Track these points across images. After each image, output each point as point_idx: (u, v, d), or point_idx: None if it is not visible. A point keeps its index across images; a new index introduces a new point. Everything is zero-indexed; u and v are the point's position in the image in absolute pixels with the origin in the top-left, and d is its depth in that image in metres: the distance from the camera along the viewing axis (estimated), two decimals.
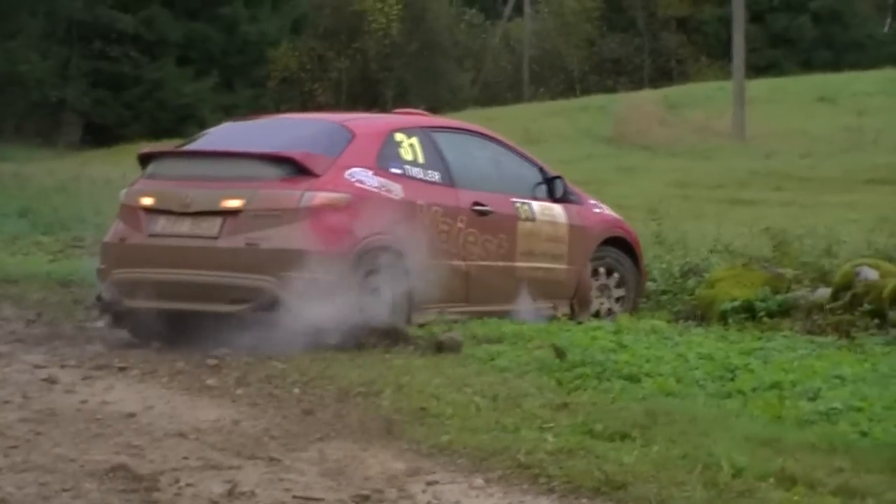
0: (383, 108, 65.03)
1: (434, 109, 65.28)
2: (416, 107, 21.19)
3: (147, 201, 13.14)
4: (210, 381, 12.99)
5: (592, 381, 12.95)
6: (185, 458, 10.28)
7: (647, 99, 57.78)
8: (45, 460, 10.16)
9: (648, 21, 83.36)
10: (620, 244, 18.72)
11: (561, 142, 48.89)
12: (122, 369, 13.38)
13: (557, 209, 18.15)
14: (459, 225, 16.54)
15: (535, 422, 11.14)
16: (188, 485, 9.43)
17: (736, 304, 16.61)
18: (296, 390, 12.83)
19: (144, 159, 14.54)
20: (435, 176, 16.34)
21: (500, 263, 17.14)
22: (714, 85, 58.13)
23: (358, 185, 14.52)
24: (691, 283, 17.88)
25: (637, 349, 14.18)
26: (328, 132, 15.62)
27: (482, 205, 17.00)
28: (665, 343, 14.62)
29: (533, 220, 17.71)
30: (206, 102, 66.19)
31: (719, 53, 62.27)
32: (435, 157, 16.44)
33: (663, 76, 71.57)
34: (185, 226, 12.98)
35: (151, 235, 13.00)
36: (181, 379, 13.06)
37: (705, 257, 19.05)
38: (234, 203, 12.94)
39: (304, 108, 73.16)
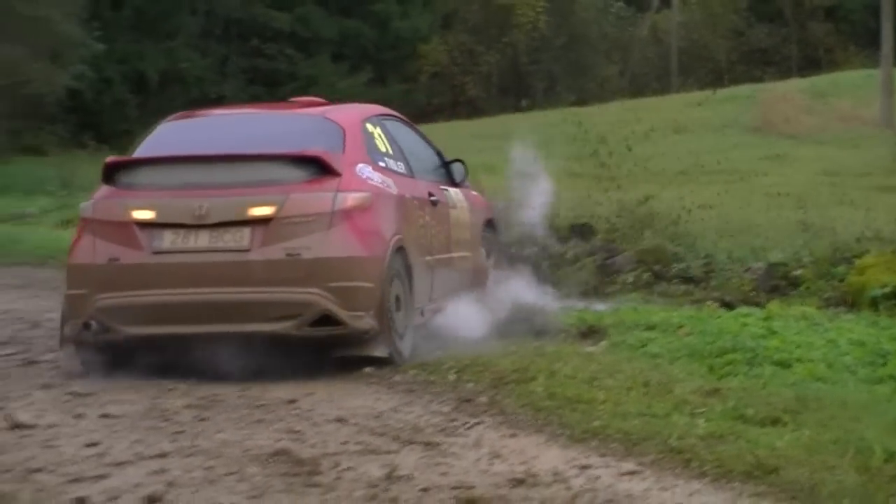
0: (532, 99, 64.83)
1: (582, 101, 65.26)
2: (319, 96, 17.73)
3: (144, 215, 11.77)
4: (367, 370, 13.04)
5: (743, 367, 12.90)
6: (345, 442, 10.39)
7: (794, 88, 57.20)
8: (209, 445, 10.34)
9: (795, 11, 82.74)
10: (489, 224, 18.50)
11: (708, 132, 48.50)
12: None
13: (461, 194, 17.48)
14: (427, 217, 15.49)
15: (686, 407, 11.11)
16: (348, 468, 9.48)
17: (887, 290, 16.37)
18: (451, 377, 12.94)
19: (113, 167, 12.61)
20: (402, 167, 15.39)
21: (445, 255, 16.26)
22: (862, 73, 57.46)
23: (370, 182, 13.51)
24: (841, 269, 17.62)
25: (787, 335, 14.06)
26: (319, 126, 14.40)
27: (433, 195, 16.02)
28: (815, 329, 14.47)
29: (455, 207, 16.94)
30: (360, 97, 66.27)
31: (867, 42, 61.58)
32: (395, 147, 15.57)
33: (811, 65, 70.83)
34: (202, 239, 11.72)
35: (157, 253, 11.64)
36: (340, 368, 13.02)
37: (855, 244, 18.75)
38: (264, 210, 11.85)
39: (455, 102, 73.02)
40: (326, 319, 11.86)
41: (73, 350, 12.09)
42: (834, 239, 19.46)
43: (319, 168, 12.43)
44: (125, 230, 11.78)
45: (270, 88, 61.88)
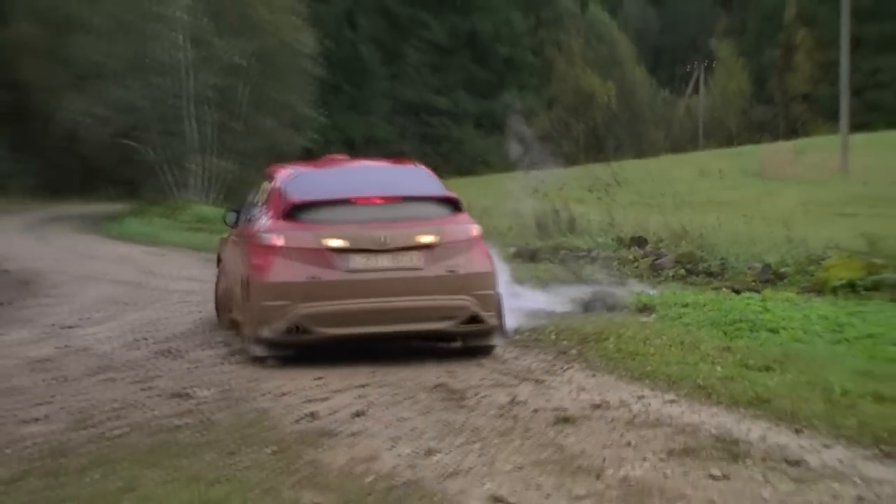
0: (605, 154, 64.57)
1: (638, 156, 65.22)
2: (342, 152, 16.78)
3: (337, 243, 10.94)
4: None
5: (746, 332, 13.02)
6: (482, 379, 10.73)
7: (782, 148, 56.91)
8: (393, 379, 10.62)
9: (782, 96, 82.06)
10: None
11: (723, 176, 48.27)
12: None
13: None
14: None
15: (708, 358, 11.22)
16: (485, 396, 9.81)
17: (842, 282, 16.39)
18: (552, 337, 13.12)
19: (300, 207, 11.45)
20: None
21: None
22: (827, 138, 56.83)
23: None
24: (813, 268, 17.56)
25: (776, 311, 14.09)
26: (426, 174, 13.26)
27: None
28: (795, 307, 14.48)
29: None
30: (493, 154, 66.14)
31: (831, 117, 60.66)
32: None
33: (793, 132, 70.07)
34: (384, 261, 10.99)
35: (350, 271, 10.90)
36: None
37: (822, 251, 18.69)
38: (429, 238, 11.25)
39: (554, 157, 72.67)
40: (473, 319, 11.42)
41: (263, 346, 11.27)
42: (808, 248, 19.38)
43: (453, 206, 11.99)
44: (320, 255, 10.99)
45: (434, 147, 61.88)
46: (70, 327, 14.23)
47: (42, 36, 49.76)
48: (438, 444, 8.07)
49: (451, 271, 11.34)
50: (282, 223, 11.44)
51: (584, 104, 77.30)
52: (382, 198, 11.80)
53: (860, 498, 6.83)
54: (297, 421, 8.85)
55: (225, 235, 15.01)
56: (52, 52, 47.90)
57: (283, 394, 10.01)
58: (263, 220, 11.91)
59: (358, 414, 8.93)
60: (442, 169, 61.50)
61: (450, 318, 11.19)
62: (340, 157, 14.38)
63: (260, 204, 12.61)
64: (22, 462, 7.77)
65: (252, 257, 11.62)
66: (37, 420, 9.06)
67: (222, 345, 13.04)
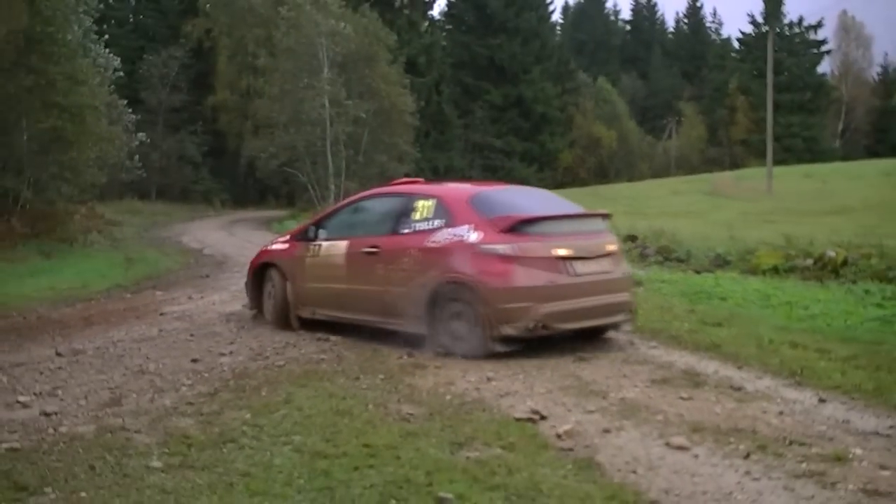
0: (608, 179, 64.05)
1: (630, 181, 64.67)
2: (413, 177, 14.05)
3: (564, 252, 9.03)
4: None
5: (705, 299, 12.76)
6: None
7: (728, 176, 56.28)
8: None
9: (729, 141, 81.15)
10: None
11: (687, 195, 47.88)
12: None
13: None
14: None
15: (678, 318, 11.00)
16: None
17: (769, 266, 16.20)
18: None
19: (526, 222, 9.09)
20: None
21: None
22: (758, 170, 56.19)
23: None
24: (749, 256, 17.30)
25: (725, 286, 13.90)
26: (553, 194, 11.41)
27: None
28: (737, 283, 14.29)
29: None
30: (534, 180, 65.93)
31: (760, 155, 59.84)
32: None
33: (736, 166, 69.27)
34: (594, 266, 9.29)
35: (576, 275, 9.13)
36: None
37: (755, 246, 18.45)
38: (612, 248, 9.68)
39: (574, 181, 72.54)
40: (631, 310, 9.75)
41: (501, 343, 8.73)
42: (745, 243, 19.11)
43: (607, 220, 10.14)
44: (551, 262, 8.94)
45: (492, 174, 61.57)
46: None
47: (234, 100, 50.71)
48: (495, 374, 8.03)
49: (623, 273, 9.88)
50: (504, 236, 8.87)
51: (594, 145, 76.80)
52: (580, 214, 9.91)
53: (781, 412, 6.76)
54: (399, 357, 8.81)
55: (278, 246, 11.09)
56: (240, 110, 48.98)
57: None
58: (470, 233, 8.99)
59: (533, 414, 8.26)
60: None
61: (625, 311, 9.62)
62: (413, 179, 11.14)
63: (427, 218, 9.35)
64: (217, 381, 7.82)
65: (479, 265, 8.80)
66: (228, 353, 9.11)
67: None
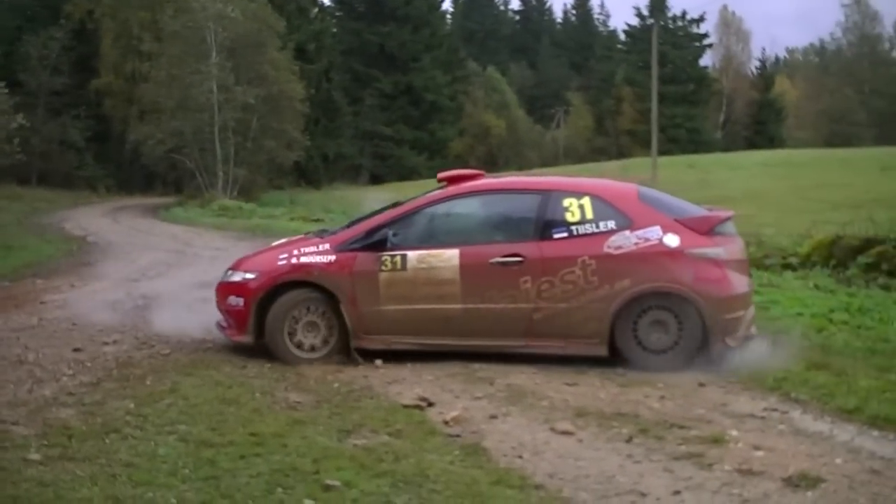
0: (497, 167, 64.43)
1: (519, 169, 65.13)
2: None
3: (744, 256, 8.40)
4: None
5: None
6: None
7: (614, 165, 57.21)
8: None
9: (615, 132, 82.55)
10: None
11: None
12: None
13: None
14: None
15: None
16: None
17: None
18: None
19: (721, 223, 8.11)
20: None
21: None
22: (643, 160, 57.25)
23: None
24: None
25: None
26: None
27: None
28: None
29: None
30: (424, 168, 65.74)
31: (646, 146, 60.97)
32: None
33: (621, 155, 70.29)
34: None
35: (750, 278, 8.49)
36: None
37: None
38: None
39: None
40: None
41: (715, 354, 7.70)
42: None
43: None
44: (744, 266, 8.24)
45: (382, 161, 61.26)
46: (135, 280, 14.00)
47: (119, 84, 49.66)
48: (382, 362, 8.03)
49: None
50: (709, 238, 7.92)
51: (483, 134, 77.23)
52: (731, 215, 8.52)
53: (662, 397, 6.93)
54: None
55: (312, 259, 8.21)
56: (126, 94, 48.04)
57: None
58: (666, 237, 7.84)
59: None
60: (387, 177, 60.94)
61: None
62: (474, 172, 8.96)
63: (590, 220, 7.90)
64: (100, 371, 7.65)
65: (693, 272, 7.72)
66: (112, 342, 8.91)
67: None
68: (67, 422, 6.08)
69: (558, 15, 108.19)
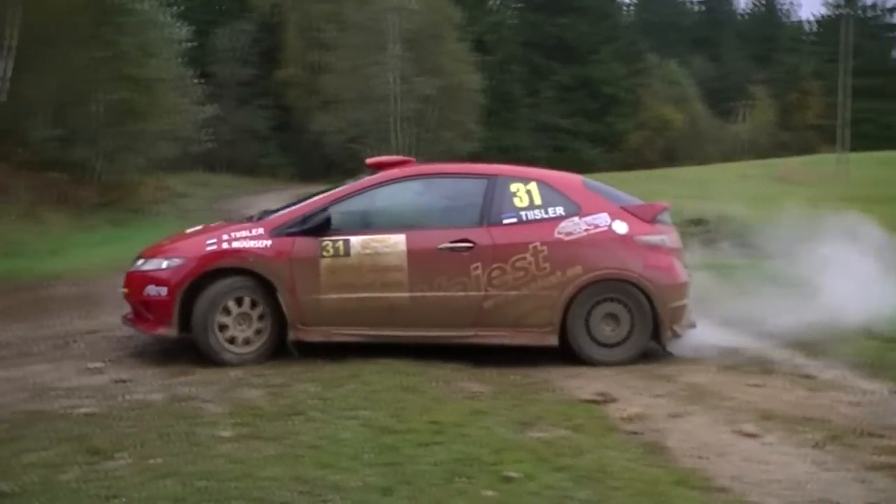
0: (678, 162, 63.11)
1: (699, 164, 63.50)
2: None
3: (679, 244, 8.31)
4: None
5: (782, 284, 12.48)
6: None
7: (797, 161, 55.10)
8: None
9: (799, 126, 79.77)
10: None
11: (758, 179, 47.07)
12: None
13: None
14: None
15: None
16: None
17: None
18: None
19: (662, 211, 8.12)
20: None
21: None
22: (829, 156, 55.05)
23: None
24: None
25: None
26: None
27: None
28: None
29: None
30: (601, 160, 65.17)
31: (832, 142, 58.70)
32: None
33: (805, 151, 67.67)
34: None
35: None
36: None
37: None
38: None
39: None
40: None
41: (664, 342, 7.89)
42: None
43: None
44: (680, 255, 8.13)
45: (559, 153, 61.13)
46: None
47: (301, 74, 50.99)
48: (560, 356, 7.99)
49: None
50: (648, 227, 7.91)
51: (662, 127, 75.87)
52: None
53: (854, 402, 6.65)
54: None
55: (243, 244, 7.58)
56: (307, 85, 49.35)
57: None
58: (614, 223, 7.81)
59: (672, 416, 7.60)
60: (563, 169, 60.56)
61: None
62: (403, 159, 8.59)
63: (538, 206, 7.77)
64: (285, 354, 7.82)
65: (643, 260, 7.72)
66: None
67: None
68: (255, 402, 6.29)
69: (741, 6, 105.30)
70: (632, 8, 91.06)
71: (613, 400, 6.58)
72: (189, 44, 29.10)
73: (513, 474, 4.96)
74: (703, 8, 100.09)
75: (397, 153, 40.92)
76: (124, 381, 6.86)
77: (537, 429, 5.87)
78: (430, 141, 42.07)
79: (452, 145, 42.80)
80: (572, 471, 5.09)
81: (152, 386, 6.72)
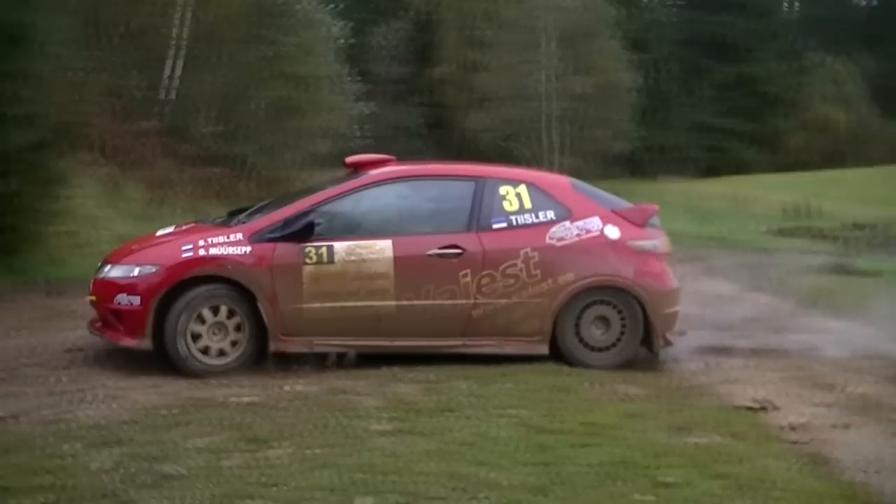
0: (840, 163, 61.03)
1: (865, 165, 61.05)
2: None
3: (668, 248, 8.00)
4: None
5: None
6: None
7: None
8: None
9: None
10: None
11: None
12: None
13: None
14: None
15: None
16: None
17: None
18: None
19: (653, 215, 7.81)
20: None
21: None
22: None
23: None
24: None
25: None
26: None
27: None
28: None
29: None
30: (756, 161, 63.52)
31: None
32: None
33: None
34: None
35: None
36: None
37: None
38: None
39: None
40: None
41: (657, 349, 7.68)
42: None
43: None
44: (670, 260, 7.82)
45: (711, 153, 59.88)
46: None
47: (456, 73, 51.48)
48: (719, 360, 7.86)
49: None
50: (639, 231, 7.66)
51: (824, 128, 73.36)
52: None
53: None
54: None
55: (222, 250, 7.14)
56: (459, 83, 49.83)
57: None
58: (605, 228, 7.54)
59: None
60: (720, 169, 59.40)
61: None
62: (383, 157, 8.21)
63: (528, 210, 7.49)
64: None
65: (635, 265, 7.50)
66: None
67: None
68: (410, 397, 6.38)
69: None
70: (795, 4, 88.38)
71: (775, 407, 6.42)
72: (346, 42, 29.74)
73: (669, 479, 4.89)
74: (875, 2, 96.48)
75: (549, 152, 40.93)
76: (282, 372, 7.02)
77: (694, 434, 5.77)
78: (581, 140, 41.87)
79: (605, 145, 42.48)
80: (731, 478, 4.99)
81: (310, 378, 6.86)
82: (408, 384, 6.73)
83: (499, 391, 6.55)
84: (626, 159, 49.18)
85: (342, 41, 29.38)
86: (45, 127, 12.47)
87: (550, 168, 40.19)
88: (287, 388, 6.58)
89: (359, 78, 32.62)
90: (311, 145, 26.62)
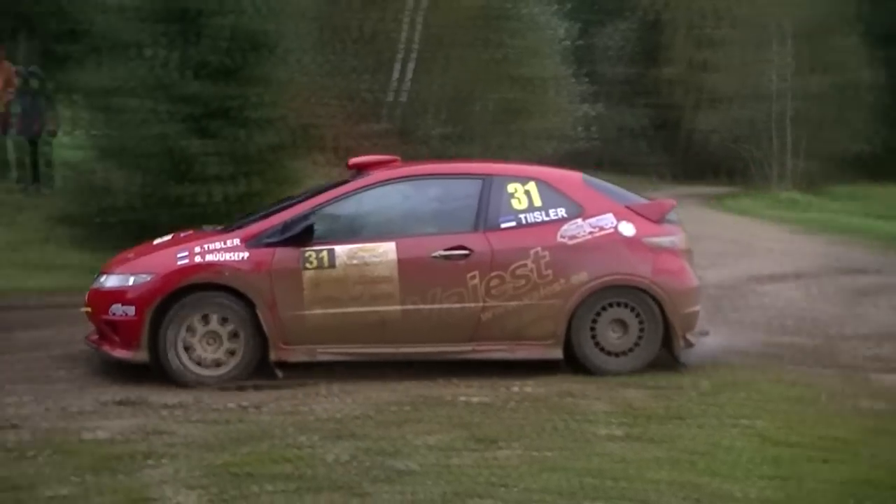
0: None
1: None
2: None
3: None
4: None
5: None
6: None
7: None
8: None
9: None
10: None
11: None
12: None
13: None
14: None
15: None
16: None
17: None
18: None
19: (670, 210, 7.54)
20: None
21: None
22: None
23: None
24: None
25: None
26: None
27: None
28: None
29: None
30: None
31: None
32: None
33: None
34: None
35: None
36: None
37: None
38: None
39: None
40: None
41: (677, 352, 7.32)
42: None
43: None
44: (691, 257, 7.53)
45: None
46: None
47: (685, 74, 50.63)
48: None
49: None
50: (656, 227, 7.33)
51: None
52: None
53: None
54: None
55: (218, 256, 6.90)
56: (686, 83, 49.01)
57: None
58: (620, 225, 7.21)
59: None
60: None
61: None
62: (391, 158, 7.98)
63: (538, 208, 7.19)
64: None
65: (652, 263, 7.15)
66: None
67: None
68: (640, 402, 6.33)
69: None
70: None
71: None
72: (573, 43, 29.78)
73: None
74: None
75: (780, 154, 39.52)
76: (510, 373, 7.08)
77: None
78: (817, 141, 40.20)
79: (841, 146, 40.66)
80: None
81: (538, 379, 6.90)
82: (637, 389, 6.67)
83: (732, 400, 6.41)
84: (865, 162, 46.97)
85: (568, 43, 29.45)
86: (284, 129, 13.11)
87: (782, 171, 39.03)
88: (515, 389, 6.64)
89: (585, 79, 32.63)
90: (536, 146, 26.84)
